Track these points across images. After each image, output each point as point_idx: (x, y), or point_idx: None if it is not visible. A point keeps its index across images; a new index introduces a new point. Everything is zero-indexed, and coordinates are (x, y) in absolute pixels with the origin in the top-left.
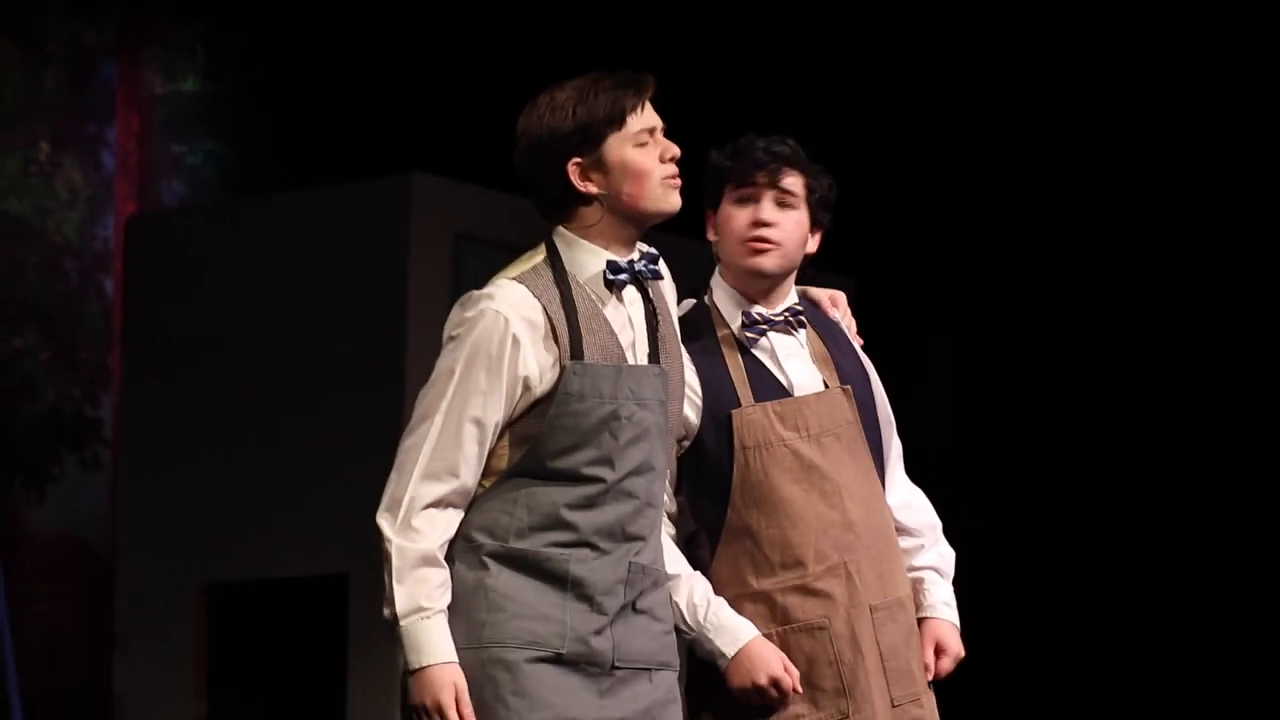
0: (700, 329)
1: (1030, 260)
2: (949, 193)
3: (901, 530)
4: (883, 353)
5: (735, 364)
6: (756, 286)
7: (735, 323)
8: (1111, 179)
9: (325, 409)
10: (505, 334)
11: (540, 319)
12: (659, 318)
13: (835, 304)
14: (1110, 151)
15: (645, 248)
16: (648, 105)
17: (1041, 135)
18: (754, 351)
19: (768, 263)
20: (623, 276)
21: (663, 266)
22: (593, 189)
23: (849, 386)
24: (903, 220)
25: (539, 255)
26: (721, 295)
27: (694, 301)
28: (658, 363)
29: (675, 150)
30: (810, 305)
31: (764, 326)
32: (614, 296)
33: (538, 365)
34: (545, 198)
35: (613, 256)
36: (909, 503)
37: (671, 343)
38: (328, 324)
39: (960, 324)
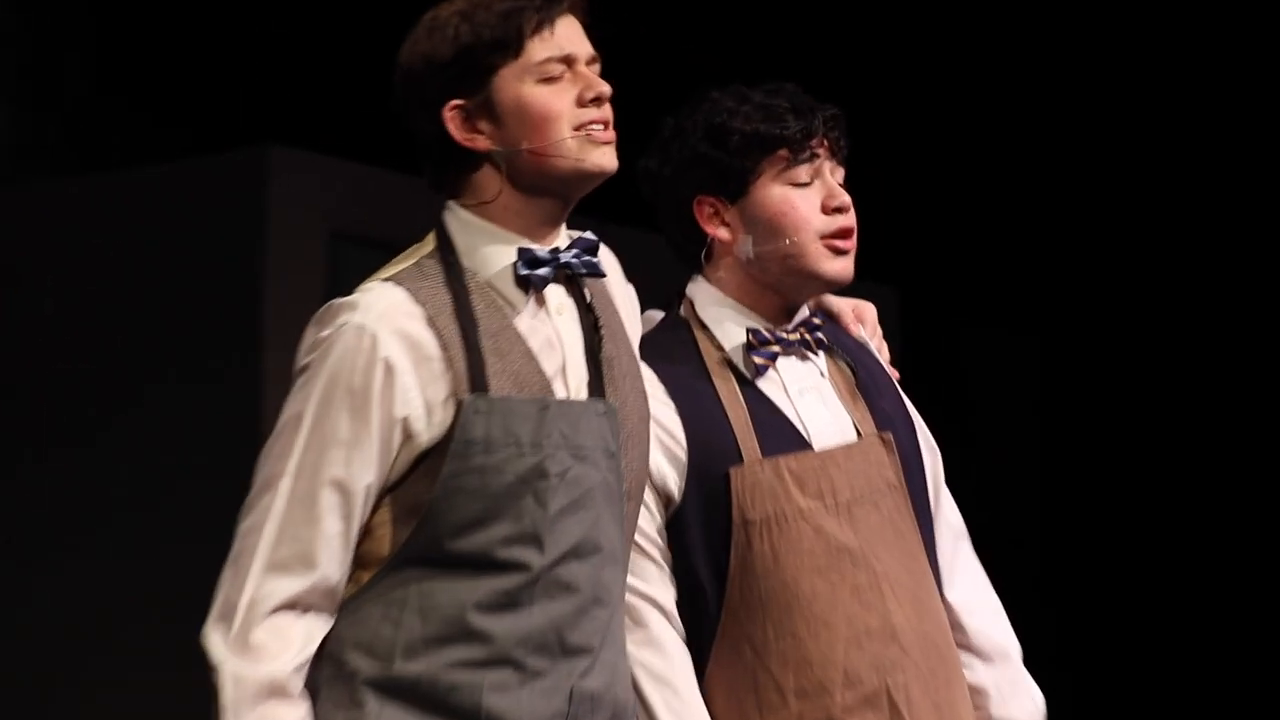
0: (678, 352)
1: (1123, 275)
2: (1028, 179)
3: (963, 647)
4: (932, 389)
5: (733, 402)
6: (798, 298)
7: (733, 343)
8: (1198, 208)
9: (152, 472)
10: (372, 358)
11: (424, 335)
12: (603, 332)
13: (861, 318)
14: (1196, 178)
15: (583, 234)
16: (566, 25)
17: (1128, 147)
18: (759, 385)
19: (851, 267)
20: (543, 272)
21: (607, 259)
22: (481, 143)
23: (889, 434)
24: (962, 215)
25: (426, 247)
26: (714, 308)
27: (662, 314)
28: (602, 396)
29: (601, 88)
30: (828, 320)
31: (775, 349)
32: (533, 302)
33: (422, 401)
34: (427, 160)
35: (527, 244)
36: (974, 605)
37: (625, 368)
38: (153, 351)
39: (1040, 353)
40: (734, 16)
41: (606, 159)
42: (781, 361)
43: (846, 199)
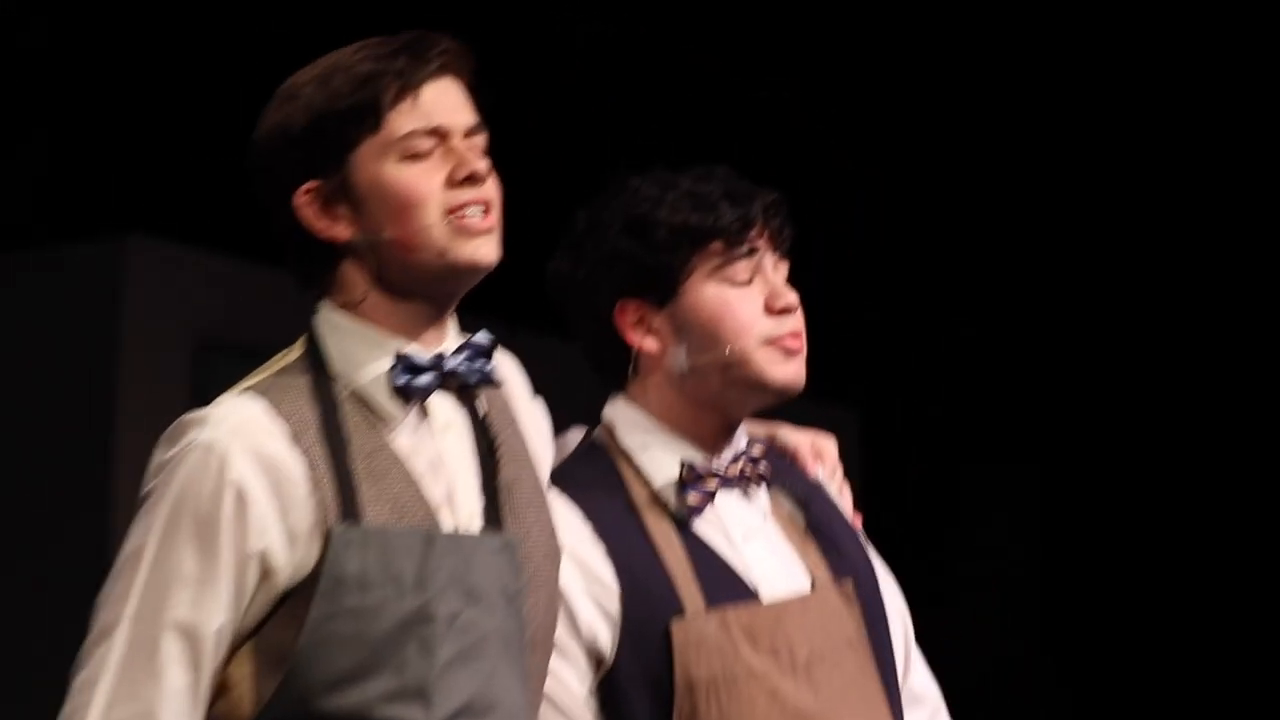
0: (600, 486)
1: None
2: (1020, 282)
3: None
4: (897, 531)
5: (669, 545)
6: (741, 413)
7: (663, 477)
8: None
9: None
10: (221, 482)
11: (285, 454)
12: (500, 453)
13: (820, 456)
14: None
15: (475, 337)
16: (438, 91)
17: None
18: (695, 526)
19: (803, 373)
20: (424, 381)
21: (508, 368)
22: (340, 232)
23: (848, 583)
24: (931, 324)
25: (293, 353)
26: (638, 434)
27: (584, 439)
28: (500, 528)
29: (475, 165)
30: (774, 453)
31: (712, 485)
32: (415, 417)
33: (282, 532)
34: (289, 252)
35: (406, 347)
36: None
37: (528, 496)
38: None
39: (1040, 484)
40: (659, 91)
41: (482, 251)
42: (721, 499)
43: (793, 298)
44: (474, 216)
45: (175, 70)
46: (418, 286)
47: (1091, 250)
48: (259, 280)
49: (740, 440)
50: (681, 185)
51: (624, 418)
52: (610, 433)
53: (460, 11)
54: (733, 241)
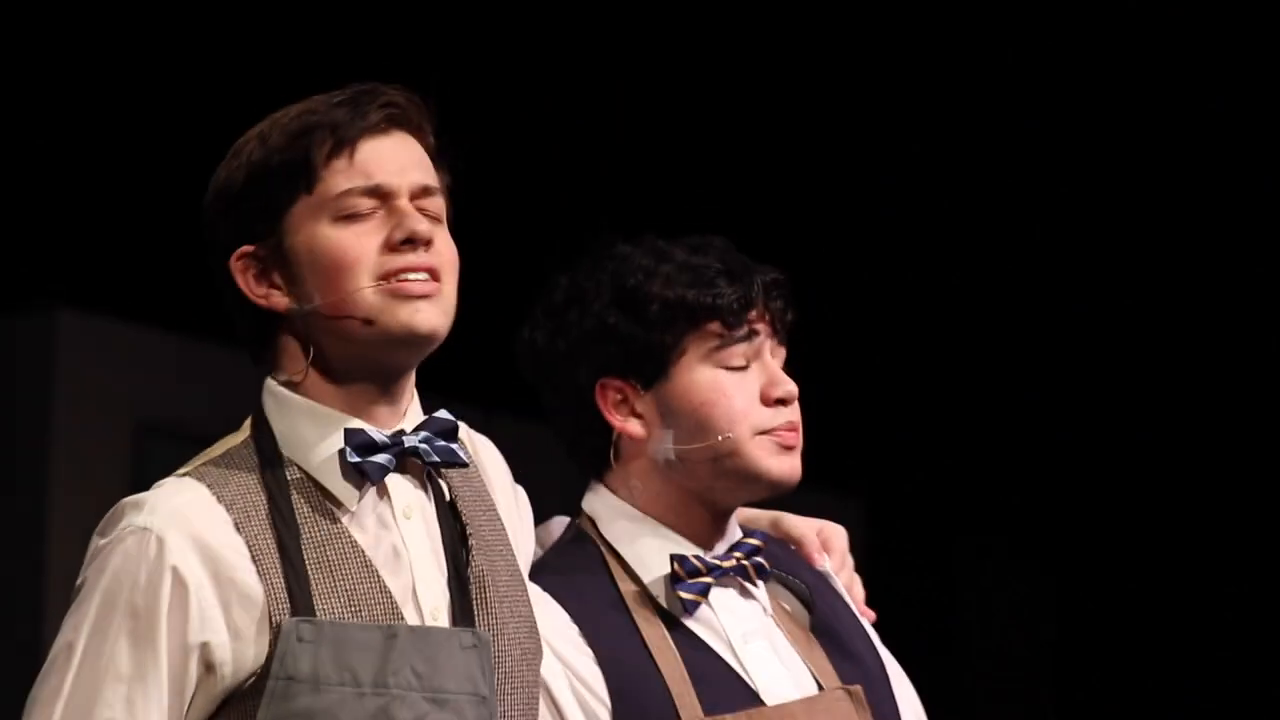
0: (586, 582)
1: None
2: (1026, 364)
3: None
4: (909, 627)
5: (663, 647)
6: (732, 505)
7: (652, 573)
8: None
9: None
10: (158, 568)
11: (228, 542)
12: (471, 542)
13: (828, 547)
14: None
15: (437, 414)
16: (381, 147)
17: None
18: (689, 626)
19: (798, 468)
20: (380, 460)
21: (485, 450)
22: (276, 300)
23: (858, 686)
24: (941, 406)
25: (240, 435)
26: (624, 526)
27: (568, 529)
28: (471, 626)
29: (415, 225)
30: (776, 543)
31: (707, 580)
32: (371, 500)
33: (225, 626)
34: (234, 322)
35: (356, 423)
36: None
37: (503, 589)
38: None
39: (1056, 581)
40: (647, 147)
41: (420, 316)
42: (716, 596)
43: (792, 387)
44: (413, 279)
45: (117, 140)
46: (355, 360)
47: (1095, 329)
48: (202, 356)
49: (734, 531)
50: (676, 257)
51: (606, 507)
52: (593, 524)
53: (418, 67)
54: (731, 322)
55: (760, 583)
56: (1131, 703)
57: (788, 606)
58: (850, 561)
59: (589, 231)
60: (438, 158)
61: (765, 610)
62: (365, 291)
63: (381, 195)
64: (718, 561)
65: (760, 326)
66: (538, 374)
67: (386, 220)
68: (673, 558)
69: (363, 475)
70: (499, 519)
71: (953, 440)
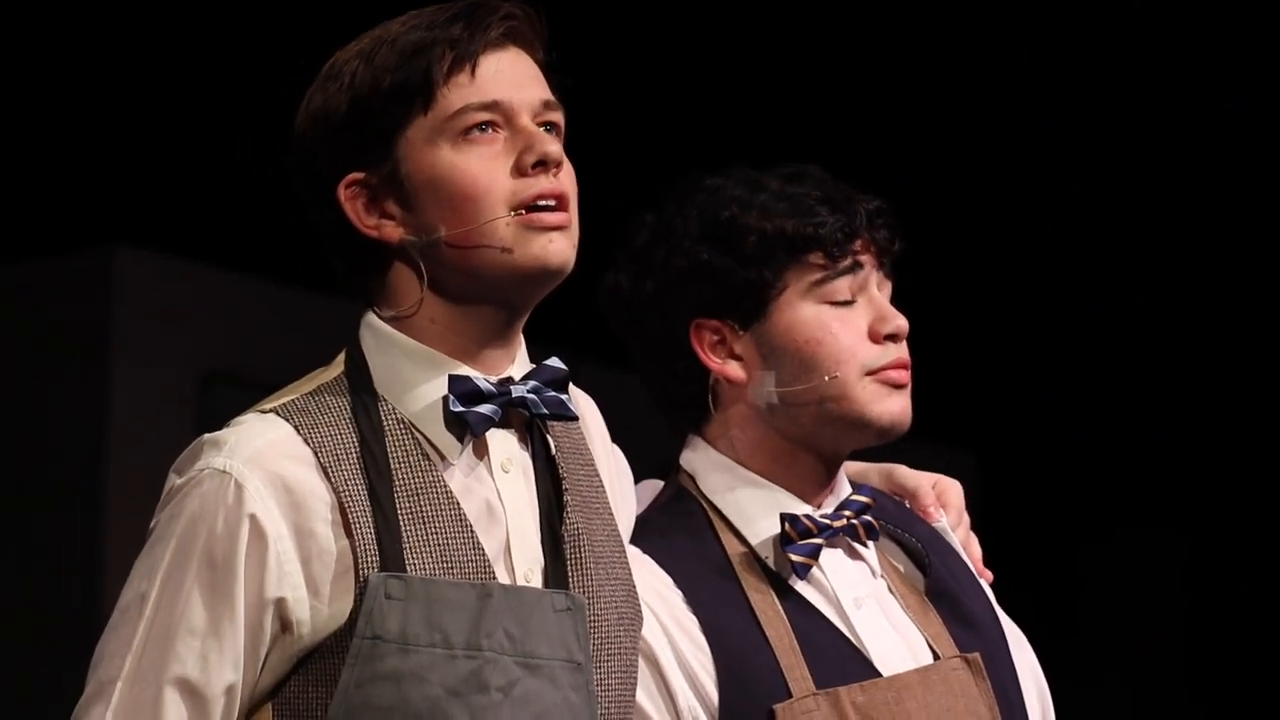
0: (691, 544)
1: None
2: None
3: None
4: (1026, 593)
5: (772, 616)
6: (839, 454)
7: (760, 533)
8: None
9: None
10: (237, 516)
11: (314, 487)
12: (568, 498)
13: (944, 502)
14: None
15: (548, 362)
16: (501, 62)
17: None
18: (798, 589)
19: (908, 411)
20: (484, 410)
21: (586, 407)
22: (390, 231)
23: (977, 654)
24: (1056, 357)
25: (331, 371)
26: (725, 482)
27: (666, 486)
28: (565, 586)
29: (547, 146)
30: (888, 499)
31: (818, 540)
32: (470, 452)
33: (305, 580)
34: (332, 256)
35: (463, 369)
36: None
37: (600, 550)
38: None
39: (1183, 545)
40: (738, 75)
41: (554, 252)
42: (825, 557)
43: (903, 322)
44: (547, 210)
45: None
46: (479, 295)
47: (1222, 299)
48: (267, 297)
49: (842, 485)
50: (771, 186)
51: (705, 462)
52: (693, 480)
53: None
54: (835, 253)
55: (870, 543)
56: (1266, 674)
57: (900, 567)
58: (967, 519)
59: (667, 166)
60: (550, 73)
61: (875, 572)
62: (499, 222)
63: (503, 112)
64: (828, 520)
65: (865, 258)
66: (625, 320)
67: (512, 141)
68: (783, 517)
69: (465, 425)
70: (598, 476)
71: (1076, 396)
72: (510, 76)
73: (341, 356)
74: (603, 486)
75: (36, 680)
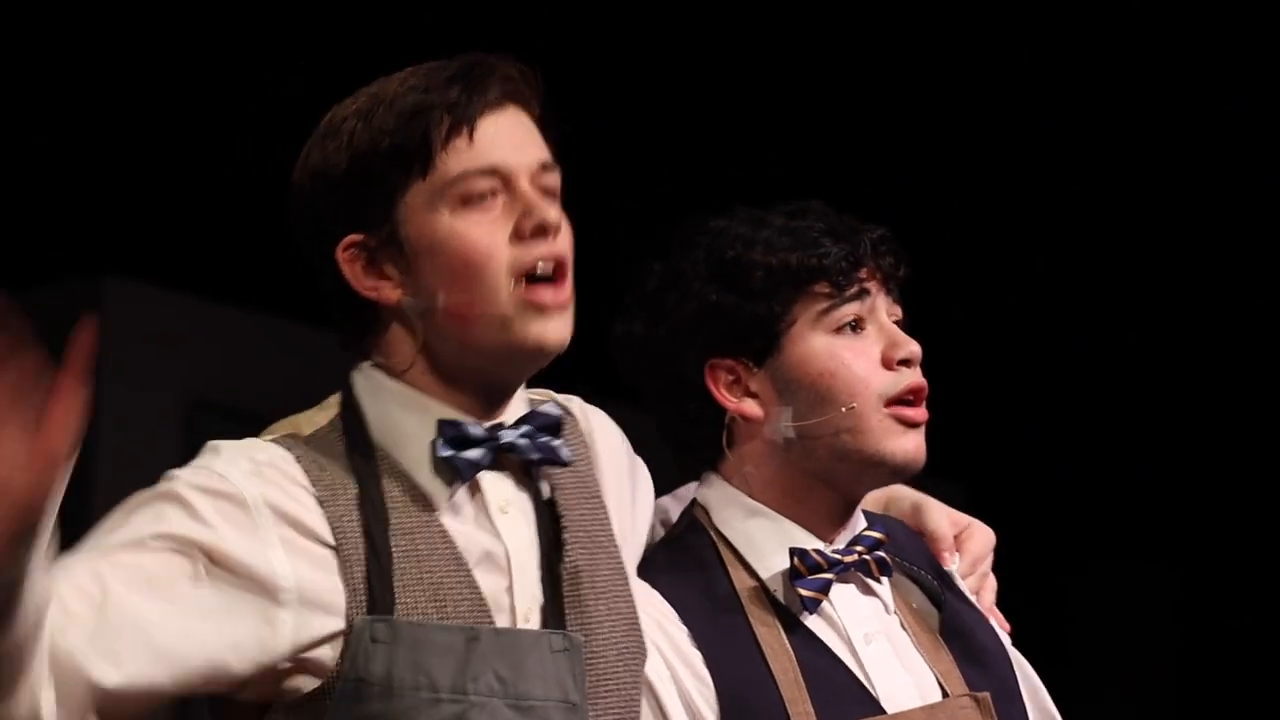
0: (699, 577)
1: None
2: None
3: None
4: (1026, 627)
5: (778, 650)
6: (856, 492)
7: (770, 568)
8: None
9: None
10: (229, 493)
11: (311, 517)
12: (566, 537)
13: (962, 548)
14: None
15: (544, 402)
16: (499, 124)
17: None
18: (808, 624)
19: (923, 449)
20: (474, 456)
21: (600, 425)
22: (387, 293)
23: (987, 694)
24: (1050, 387)
25: (325, 412)
26: (739, 518)
27: (680, 518)
28: (563, 628)
29: (544, 213)
30: (906, 532)
31: (828, 575)
32: (465, 495)
33: (296, 581)
34: (332, 308)
35: (454, 414)
36: None
37: (601, 585)
38: None
39: (1177, 583)
40: (742, 122)
41: (551, 333)
42: (836, 592)
43: (915, 347)
44: (545, 287)
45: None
46: (474, 364)
47: (1215, 326)
48: (260, 328)
49: (856, 520)
50: (774, 222)
51: (719, 497)
52: (706, 514)
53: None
54: (840, 281)
55: (884, 579)
56: (1258, 709)
57: (914, 604)
58: (987, 567)
59: (680, 211)
60: (546, 129)
61: (887, 608)
62: (499, 295)
63: (502, 176)
64: (839, 555)
65: (872, 284)
66: (639, 366)
67: (510, 206)
68: (792, 552)
69: (455, 470)
70: (603, 509)
71: (1068, 430)
72: (508, 138)
73: (335, 399)
74: (608, 519)
75: None
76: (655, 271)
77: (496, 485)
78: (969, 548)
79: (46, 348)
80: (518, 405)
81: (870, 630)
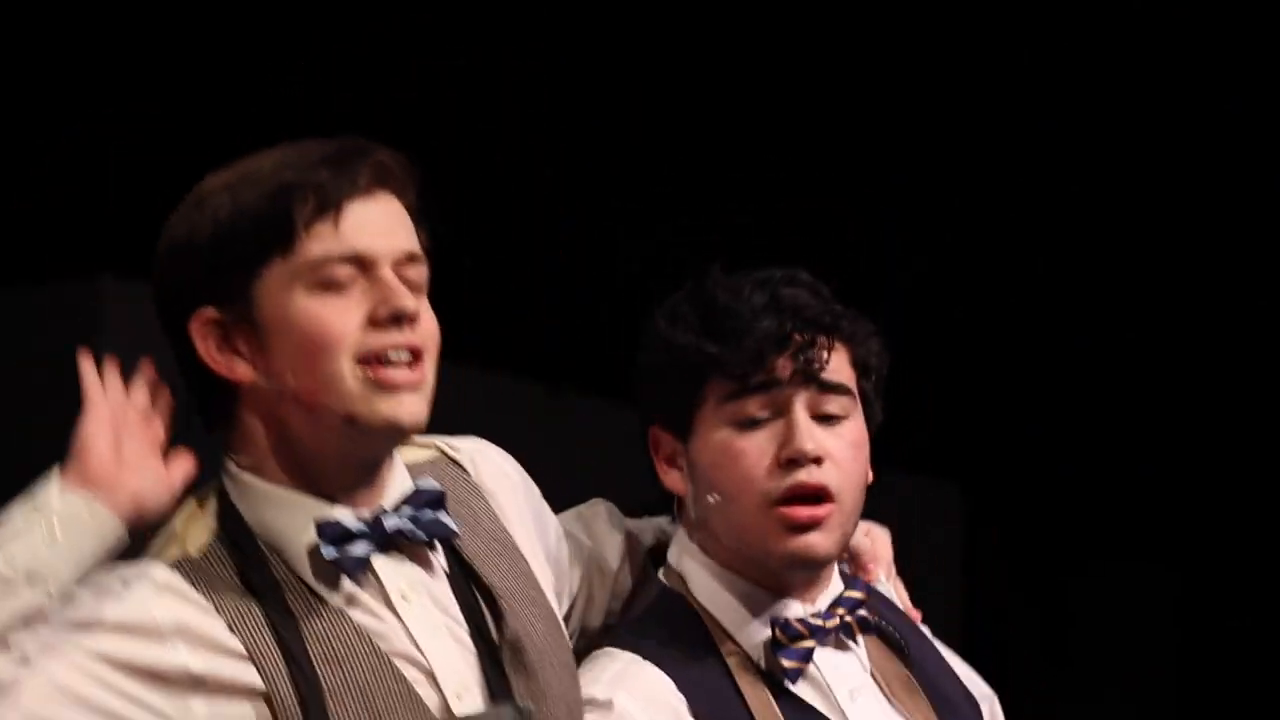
0: (688, 649)
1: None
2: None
3: None
4: (1025, 628)
5: (769, 716)
6: (791, 579)
7: (751, 638)
8: None
9: None
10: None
11: (224, 644)
12: (502, 604)
13: (876, 553)
14: None
15: (425, 464)
16: (367, 211)
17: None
18: (794, 689)
19: (822, 544)
20: (359, 551)
21: (479, 466)
22: (241, 372)
23: None
24: (1044, 380)
25: (204, 522)
26: (713, 587)
27: (651, 583)
28: (511, 701)
29: (401, 301)
30: (859, 584)
31: (809, 643)
32: (361, 589)
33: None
34: (190, 389)
35: (329, 510)
36: None
37: (542, 645)
38: None
39: (1179, 584)
40: (742, 122)
41: (404, 413)
42: (819, 654)
43: (809, 445)
44: (396, 367)
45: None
46: (325, 446)
47: (1213, 326)
48: None
49: (835, 581)
50: (718, 299)
51: (693, 567)
52: (683, 583)
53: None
54: (741, 373)
55: (861, 638)
56: (1259, 710)
57: (886, 657)
58: (892, 566)
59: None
60: (419, 218)
61: (865, 666)
62: (345, 378)
63: (363, 264)
64: (820, 622)
65: (785, 376)
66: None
67: (369, 293)
68: (773, 622)
69: (342, 570)
70: (523, 559)
71: (1067, 430)
72: (375, 225)
73: (193, 509)
74: (530, 569)
75: None
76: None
77: (395, 572)
78: (880, 553)
79: (45, 346)
80: (398, 481)
81: (854, 686)
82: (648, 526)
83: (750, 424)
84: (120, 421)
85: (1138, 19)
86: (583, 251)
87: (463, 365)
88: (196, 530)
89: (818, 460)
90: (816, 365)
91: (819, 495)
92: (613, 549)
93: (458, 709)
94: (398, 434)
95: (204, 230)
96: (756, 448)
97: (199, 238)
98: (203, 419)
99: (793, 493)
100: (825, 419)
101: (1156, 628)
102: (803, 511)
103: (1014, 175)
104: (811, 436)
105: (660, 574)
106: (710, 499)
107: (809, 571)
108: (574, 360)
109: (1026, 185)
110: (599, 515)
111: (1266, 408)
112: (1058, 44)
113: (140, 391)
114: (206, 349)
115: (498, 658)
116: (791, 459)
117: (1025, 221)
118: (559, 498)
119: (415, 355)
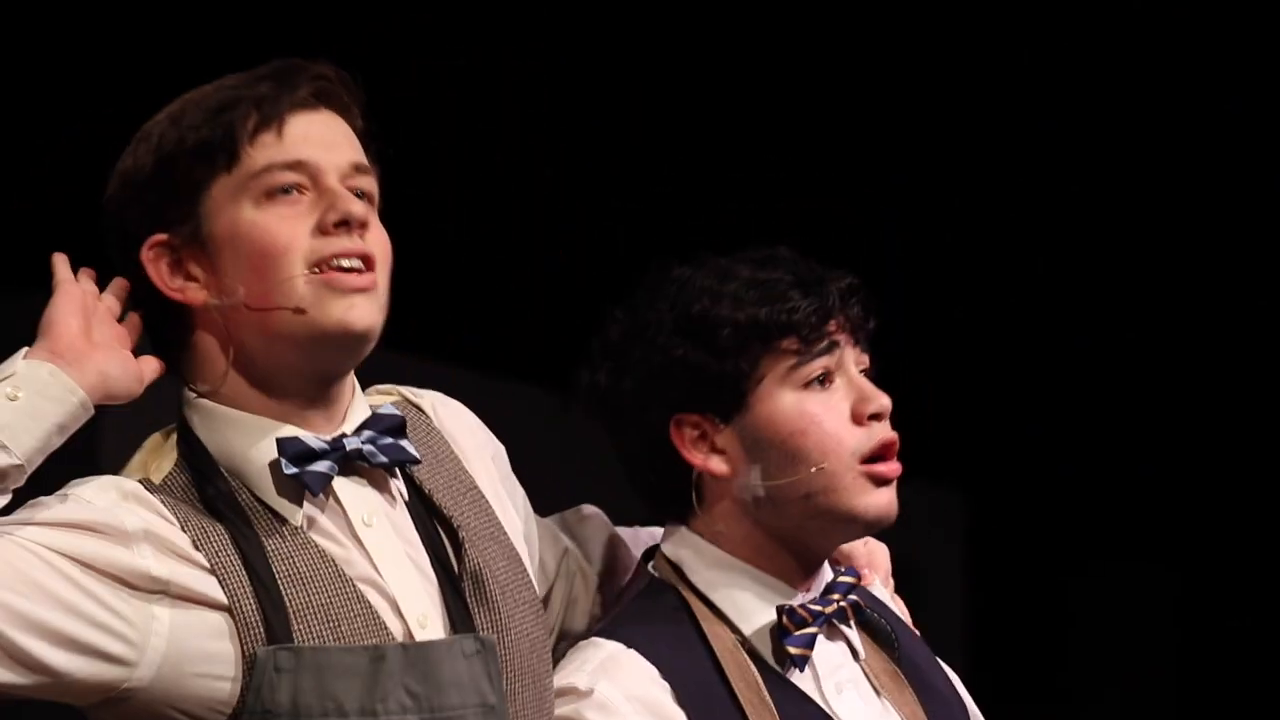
0: (673, 637)
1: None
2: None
3: None
4: (1011, 635)
5: (759, 706)
6: (824, 549)
7: (755, 624)
8: None
9: None
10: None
11: (188, 555)
12: (462, 535)
13: (873, 564)
14: None
15: (386, 403)
16: (310, 123)
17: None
18: (788, 678)
19: (895, 503)
20: (320, 469)
21: (440, 415)
22: (193, 294)
23: None
24: (1045, 389)
25: (165, 454)
26: (718, 574)
27: (640, 575)
28: (472, 629)
29: (349, 206)
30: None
31: (814, 631)
32: (324, 509)
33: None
34: (145, 323)
35: (290, 430)
36: None
37: (504, 579)
38: None
39: (1179, 587)
40: (742, 122)
41: (355, 313)
42: (815, 643)
43: (885, 401)
44: (348, 271)
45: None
46: (282, 361)
47: (1214, 328)
48: None
49: (826, 569)
50: (741, 274)
51: (694, 554)
52: (678, 572)
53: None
54: (809, 337)
55: (853, 626)
56: (1258, 710)
57: (875, 649)
58: (891, 581)
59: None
60: (368, 141)
61: (857, 653)
62: (297, 280)
63: (310, 173)
64: (820, 608)
65: (840, 337)
66: (604, 417)
67: (317, 202)
68: (779, 609)
69: (304, 486)
70: (484, 498)
71: (1067, 431)
72: (320, 137)
73: (158, 440)
74: (490, 507)
75: None
76: (619, 320)
77: (356, 497)
78: (878, 563)
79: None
80: (358, 409)
81: (840, 679)
82: (643, 534)
83: (819, 384)
84: (90, 309)
85: (1138, 19)
86: (583, 253)
87: (463, 367)
88: (159, 460)
89: (888, 413)
90: (868, 323)
91: (894, 449)
92: (597, 553)
93: (420, 637)
94: (351, 339)
95: (147, 159)
96: (831, 408)
97: (143, 167)
98: (159, 351)
99: (881, 447)
100: (863, 374)
101: (1156, 628)
102: (889, 468)
103: (1014, 175)
104: (880, 394)
105: (649, 566)
106: (805, 471)
107: (875, 530)
108: (574, 361)
109: (1026, 185)
110: (584, 519)
111: (1266, 408)
112: (1057, 44)
113: (111, 295)
114: (158, 274)
115: (459, 588)
116: (875, 414)
117: (1025, 222)
118: (560, 502)
119: (366, 263)
